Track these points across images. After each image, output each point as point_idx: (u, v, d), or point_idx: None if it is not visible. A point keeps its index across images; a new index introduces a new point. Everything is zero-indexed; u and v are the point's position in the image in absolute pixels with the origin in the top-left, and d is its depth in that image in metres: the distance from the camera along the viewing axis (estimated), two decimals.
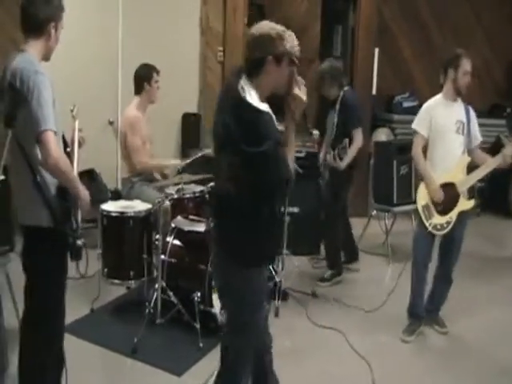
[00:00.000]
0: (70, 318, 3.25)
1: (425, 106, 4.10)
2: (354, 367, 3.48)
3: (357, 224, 5.61)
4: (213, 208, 2.71)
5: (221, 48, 6.84)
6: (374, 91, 7.20)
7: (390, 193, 5.75)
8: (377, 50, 7.19)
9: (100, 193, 5.72)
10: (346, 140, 4.75)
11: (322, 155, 5.03)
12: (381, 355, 3.74)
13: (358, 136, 4.75)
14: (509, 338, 4.17)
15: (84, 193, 2.62)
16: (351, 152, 4.74)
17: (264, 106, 2.40)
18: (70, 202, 2.57)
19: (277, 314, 4.27)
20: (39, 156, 2.45)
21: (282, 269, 4.62)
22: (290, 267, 4.89)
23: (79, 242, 2.57)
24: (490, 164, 3.98)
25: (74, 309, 3.83)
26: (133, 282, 4.01)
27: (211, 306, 3.81)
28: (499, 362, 3.81)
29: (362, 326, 4.15)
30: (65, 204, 2.55)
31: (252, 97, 2.39)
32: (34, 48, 2.55)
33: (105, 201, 4.25)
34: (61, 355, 2.90)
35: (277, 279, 4.57)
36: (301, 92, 2.50)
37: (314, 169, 5.14)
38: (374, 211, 5.95)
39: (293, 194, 4.60)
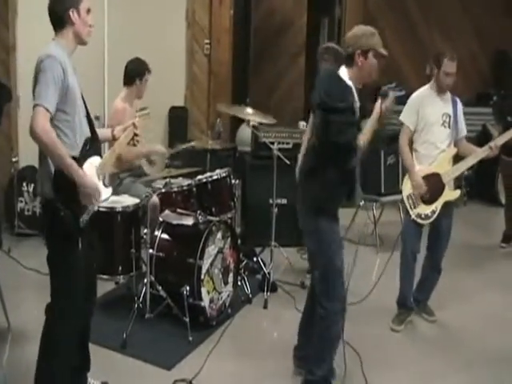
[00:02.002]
0: None
1: (412, 97, 4.08)
2: (343, 357, 3.49)
3: (345, 214, 5.58)
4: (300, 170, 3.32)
5: (207, 41, 6.83)
6: None
7: (378, 183, 5.78)
8: None
9: None
10: None
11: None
12: (370, 345, 3.77)
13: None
14: (497, 324, 4.21)
15: (83, 178, 2.62)
16: None
17: (350, 83, 2.98)
18: (63, 180, 2.59)
19: (266, 306, 4.29)
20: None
21: (271, 261, 4.64)
22: (279, 259, 4.90)
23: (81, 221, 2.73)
24: (477, 155, 3.98)
25: None
26: (121, 277, 4.00)
27: (200, 299, 3.82)
28: (488, 349, 3.84)
29: (351, 316, 4.13)
30: (62, 181, 2.60)
31: (343, 75, 2.96)
32: (61, 36, 2.74)
33: None
34: (87, 355, 3.04)
35: (265, 271, 4.59)
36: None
37: None
38: (362, 201, 5.97)
39: (280, 186, 4.68)
